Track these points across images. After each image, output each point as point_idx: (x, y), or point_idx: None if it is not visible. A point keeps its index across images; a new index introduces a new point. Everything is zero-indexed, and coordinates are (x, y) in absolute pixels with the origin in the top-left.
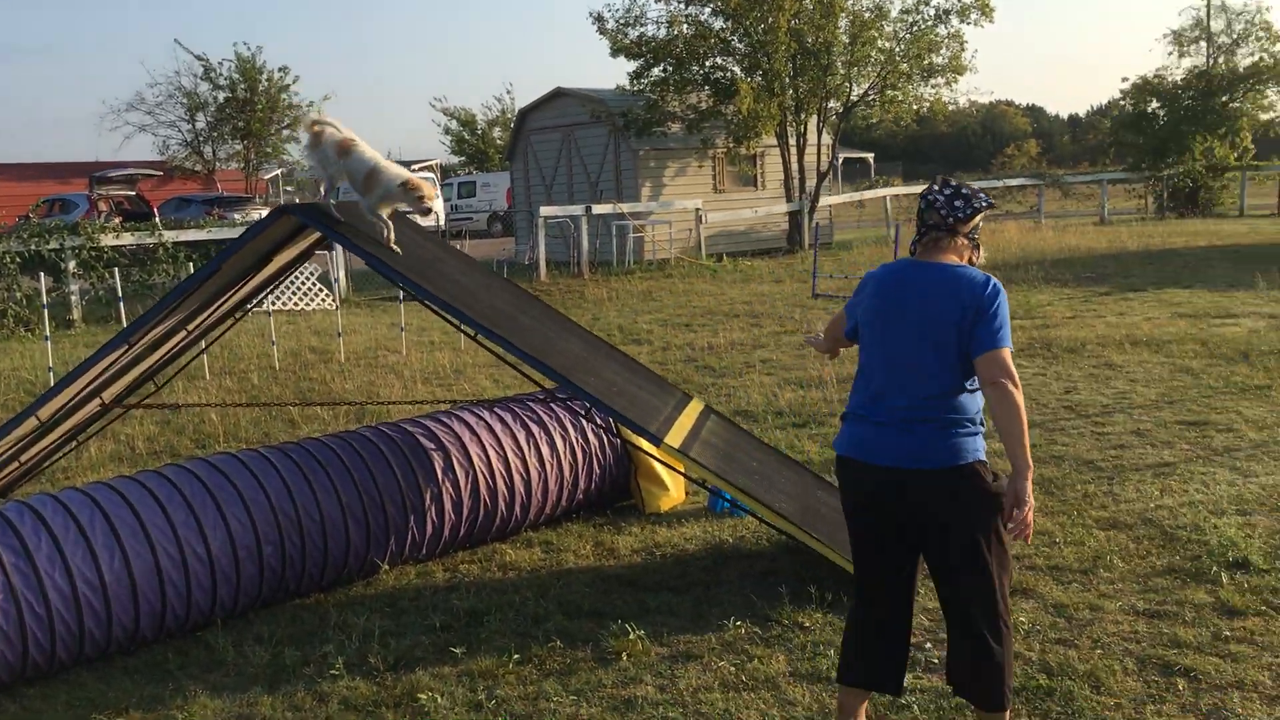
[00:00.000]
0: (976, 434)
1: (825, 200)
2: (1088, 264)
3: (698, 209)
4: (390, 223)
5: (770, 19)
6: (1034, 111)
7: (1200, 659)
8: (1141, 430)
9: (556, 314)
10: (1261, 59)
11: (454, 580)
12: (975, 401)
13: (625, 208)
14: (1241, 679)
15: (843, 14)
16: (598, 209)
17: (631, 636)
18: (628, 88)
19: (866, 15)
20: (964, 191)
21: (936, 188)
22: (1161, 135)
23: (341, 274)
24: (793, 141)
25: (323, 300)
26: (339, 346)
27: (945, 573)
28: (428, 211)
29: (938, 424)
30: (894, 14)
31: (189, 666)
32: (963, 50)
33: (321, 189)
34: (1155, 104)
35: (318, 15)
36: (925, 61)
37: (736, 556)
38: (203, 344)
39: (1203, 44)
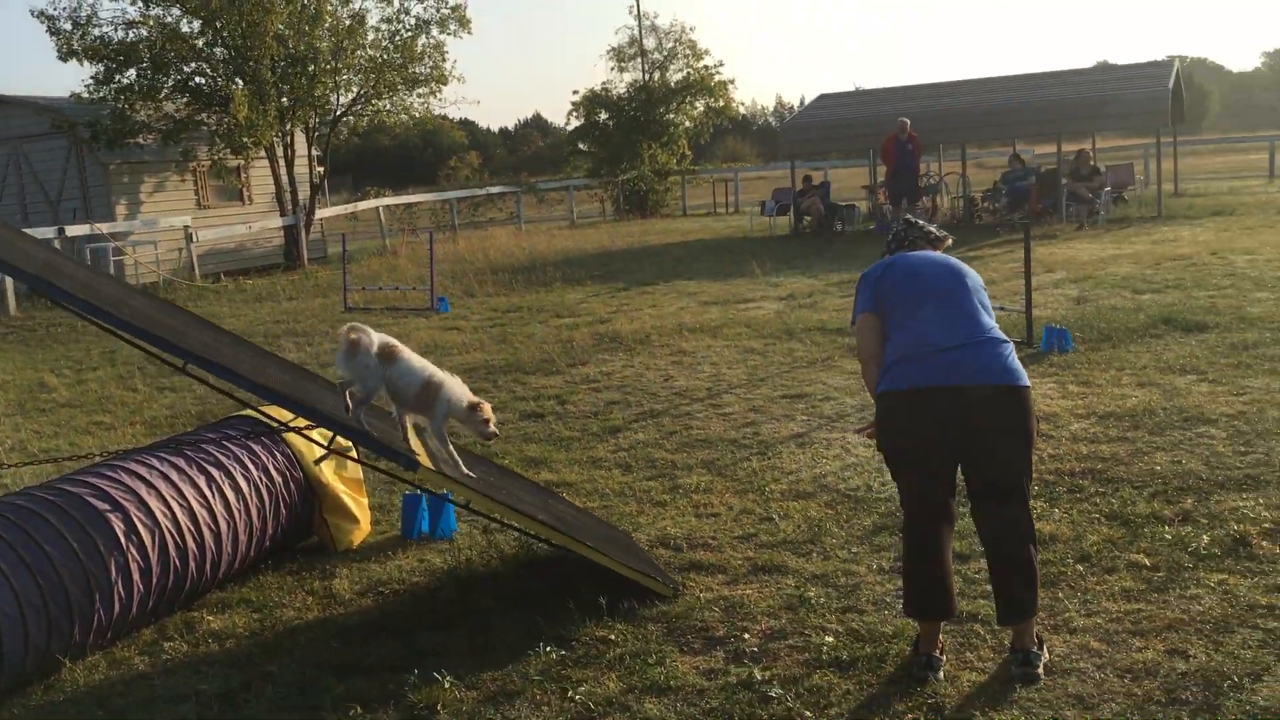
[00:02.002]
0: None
1: (320, 213)
2: (589, 263)
3: (187, 226)
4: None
5: (246, 22)
6: (468, 125)
7: (982, 604)
8: (756, 407)
9: (244, 340)
10: (689, 74)
11: (161, 664)
12: None
13: (105, 228)
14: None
15: (326, 19)
16: (72, 230)
17: (446, 685)
18: (87, 95)
19: (348, 22)
20: (936, 226)
21: (923, 222)
22: (614, 144)
23: None
24: (280, 153)
25: None
26: None
27: (1004, 488)
28: (493, 437)
29: (1008, 345)
30: (374, 22)
31: None
32: (444, 60)
33: (352, 400)
34: (605, 115)
35: None
36: (409, 71)
37: (478, 580)
38: None
39: (639, 60)
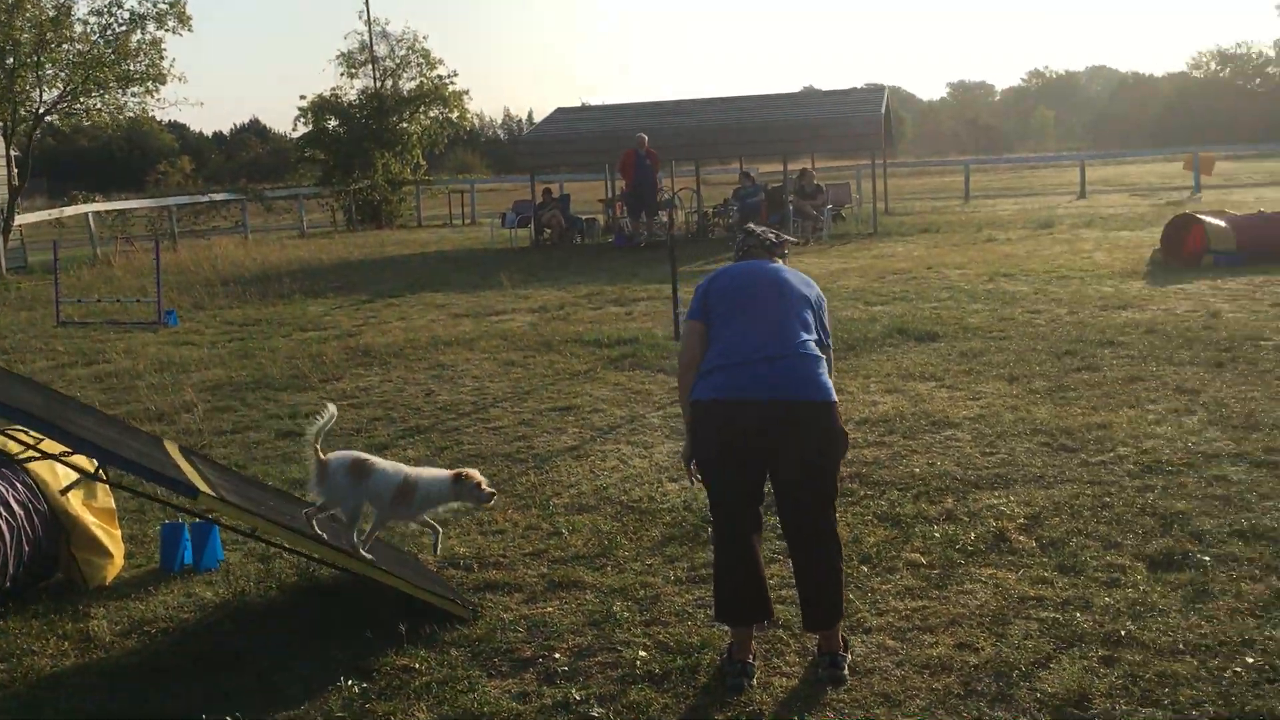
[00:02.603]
0: (828, 377)
1: (20, 218)
2: (328, 275)
3: None
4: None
5: None
6: (178, 129)
7: (780, 610)
8: (526, 420)
9: None
10: (423, 83)
11: None
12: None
13: None
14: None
15: (28, 9)
16: None
17: None
18: None
19: (52, 13)
20: (779, 235)
21: (761, 230)
22: (346, 152)
23: None
24: None
25: None
26: None
27: (813, 498)
28: (492, 498)
29: (818, 361)
30: (83, 14)
31: None
32: (162, 58)
33: (346, 519)
34: (335, 122)
35: None
36: (123, 68)
37: (259, 613)
38: None
39: (371, 67)
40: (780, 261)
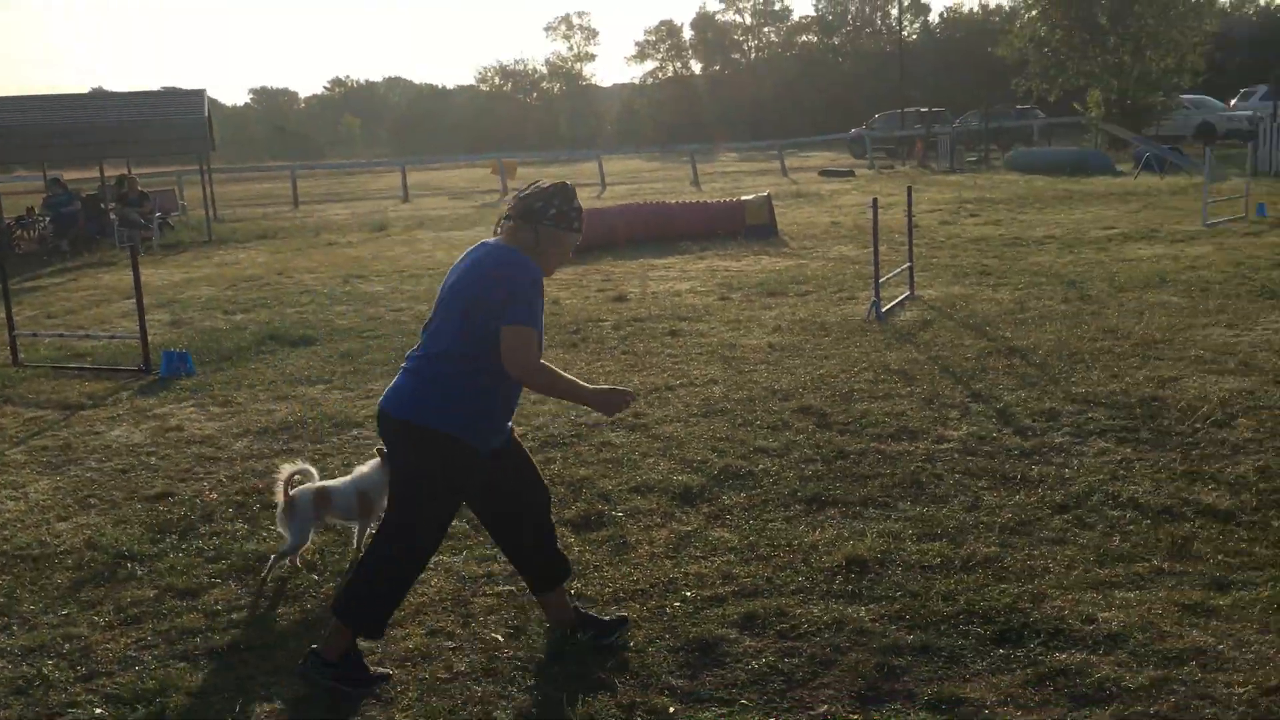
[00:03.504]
0: (447, 403)
1: None
2: None
3: None
4: None
5: None
6: None
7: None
8: None
9: None
10: None
11: None
12: (471, 373)
13: None
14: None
15: None
16: None
17: None
18: None
19: None
20: (549, 204)
21: (530, 193)
22: None
23: None
24: None
25: None
26: None
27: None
28: None
29: (424, 378)
30: None
31: None
32: None
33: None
34: None
35: None
36: None
37: None
38: None
39: None
40: (523, 235)
